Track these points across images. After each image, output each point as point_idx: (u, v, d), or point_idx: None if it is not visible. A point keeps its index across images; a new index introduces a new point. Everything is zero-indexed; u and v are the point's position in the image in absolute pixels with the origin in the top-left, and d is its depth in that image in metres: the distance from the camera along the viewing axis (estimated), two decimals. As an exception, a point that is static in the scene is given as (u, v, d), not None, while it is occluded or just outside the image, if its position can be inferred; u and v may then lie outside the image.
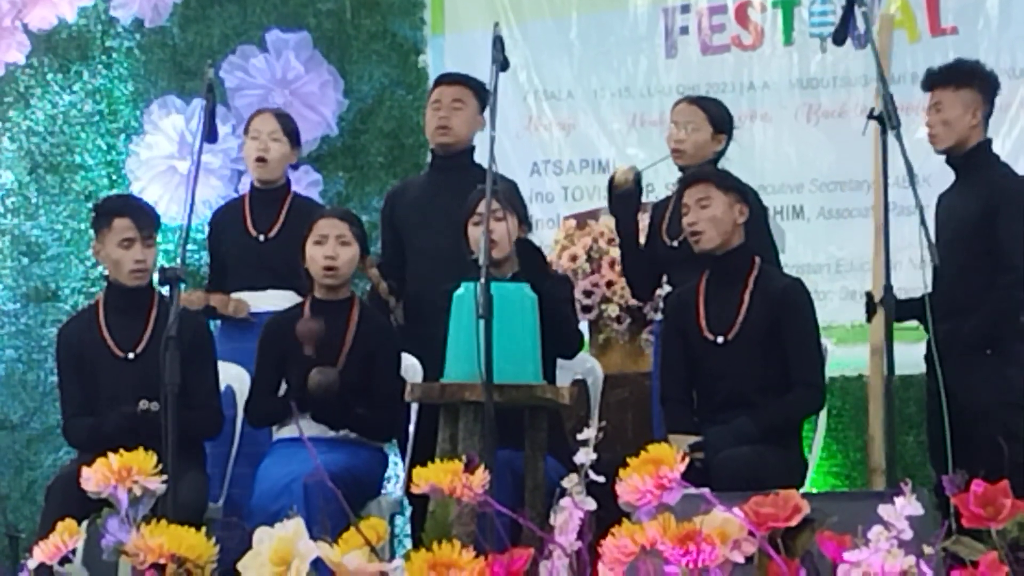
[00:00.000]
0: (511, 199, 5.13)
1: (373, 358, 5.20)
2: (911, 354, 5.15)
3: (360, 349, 5.19)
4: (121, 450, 3.62)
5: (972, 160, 5.26)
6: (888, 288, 4.54)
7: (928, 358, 5.04)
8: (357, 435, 5.17)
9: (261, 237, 5.86)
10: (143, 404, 4.83)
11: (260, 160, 5.90)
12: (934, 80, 5.33)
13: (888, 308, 4.55)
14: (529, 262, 5.10)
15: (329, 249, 5.22)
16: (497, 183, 4.61)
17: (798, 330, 4.96)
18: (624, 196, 5.44)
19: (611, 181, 5.46)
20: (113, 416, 4.92)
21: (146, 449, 3.66)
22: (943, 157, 5.34)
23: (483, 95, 5.64)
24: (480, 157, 5.68)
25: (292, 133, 5.97)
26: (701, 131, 5.52)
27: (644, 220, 5.72)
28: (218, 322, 5.85)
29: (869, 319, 5.08)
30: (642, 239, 5.65)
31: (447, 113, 5.71)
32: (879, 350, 4.99)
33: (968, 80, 5.28)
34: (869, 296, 5.03)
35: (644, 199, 5.60)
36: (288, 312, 5.33)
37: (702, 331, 5.02)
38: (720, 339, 4.99)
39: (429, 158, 6.07)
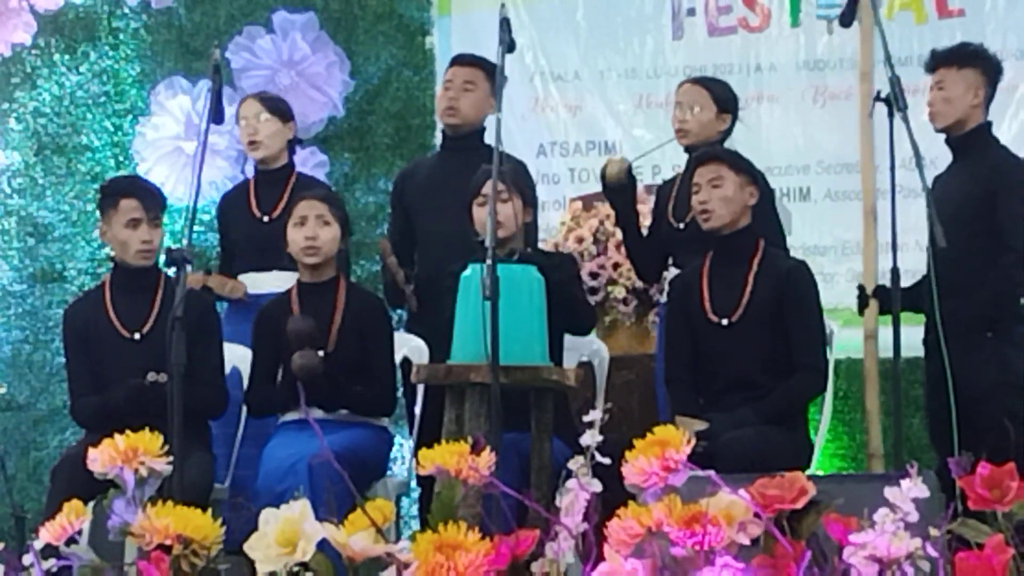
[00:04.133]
0: (516, 180, 5.13)
1: (364, 336, 5.20)
2: (916, 336, 5.14)
3: (350, 328, 5.19)
4: (128, 428, 3.63)
5: (971, 141, 5.25)
6: (895, 272, 4.55)
7: (927, 341, 5.04)
8: (353, 414, 5.17)
9: (265, 218, 5.87)
10: (151, 376, 4.83)
11: (252, 143, 5.95)
12: (938, 60, 5.34)
13: (895, 292, 4.56)
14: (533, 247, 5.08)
15: (309, 229, 5.21)
16: (504, 163, 4.61)
17: (801, 312, 4.97)
18: (616, 189, 5.45)
19: (603, 174, 5.47)
20: (121, 389, 4.93)
21: (152, 427, 3.67)
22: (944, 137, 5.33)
23: (495, 77, 5.64)
24: (491, 138, 5.67)
25: (279, 111, 6.00)
26: (705, 110, 5.52)
27: (649, 203, 5.72)
28: (224, 304, 5.86)
29: (861, 312, 5.05)
30: (647, 221, 5.65)
31: (456, 95, 5.73)
32: (873, 336, 5.00)
33: (971, 61, 5.28)
34: (861, 288, 5.01)
35: (651, 181, 5.59)
36: (277, 299, 5.32)
37: (706, 313, 5.02)
38: (724, 321, 4.99)
39: (440, 138, 6.06)
